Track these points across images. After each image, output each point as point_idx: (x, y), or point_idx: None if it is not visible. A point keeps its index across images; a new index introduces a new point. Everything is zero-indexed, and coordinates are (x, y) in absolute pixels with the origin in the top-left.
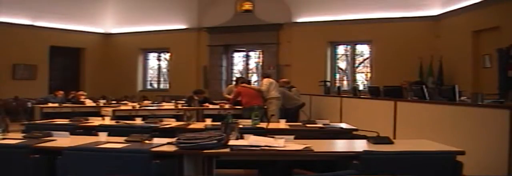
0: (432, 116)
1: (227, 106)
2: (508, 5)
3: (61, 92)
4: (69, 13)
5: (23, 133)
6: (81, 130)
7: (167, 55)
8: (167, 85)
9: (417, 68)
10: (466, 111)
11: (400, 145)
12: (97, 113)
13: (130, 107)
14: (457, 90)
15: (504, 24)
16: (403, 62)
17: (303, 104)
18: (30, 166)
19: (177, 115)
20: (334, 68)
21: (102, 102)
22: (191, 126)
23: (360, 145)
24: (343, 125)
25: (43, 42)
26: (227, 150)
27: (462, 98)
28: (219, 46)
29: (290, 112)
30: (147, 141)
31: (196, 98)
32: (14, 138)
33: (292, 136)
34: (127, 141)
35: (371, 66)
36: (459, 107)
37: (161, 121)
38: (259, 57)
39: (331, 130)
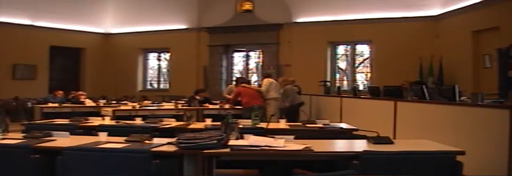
0: (432, 116)
1: (227, 106)
2: (508, 5)
3: (61, 92)
4: (69, 13)
5: (23, 133)
6: (81, 130)
7: (167, 55)
8: (167, 85)
9: (417, 68)
10: (466, 111)
11: (400, 145)
12: (97, 113)
13: (130, 107)
14: (457, 90)
15: (504, 24)
16: (403, 62)
17: (302, 103)
18: (30, 166)
19: (177, 115)
20: (334, 68)
21: (102, 102)
22: (191, 126)
23: (360, 145)
24: (343, 125)
25: (43, 42)
26: (227, 150)
27: (462, 98)
28: (219, 46)
29: (292, 110)
30: (147, 141)
31: (197, 97)
32: (14, 138)
33: (292, 136)
34: (127, 141)
35: (371, 66)
36: (459, 107)
37: (161, 121)
38: (259, 57)
39: (331, 130)
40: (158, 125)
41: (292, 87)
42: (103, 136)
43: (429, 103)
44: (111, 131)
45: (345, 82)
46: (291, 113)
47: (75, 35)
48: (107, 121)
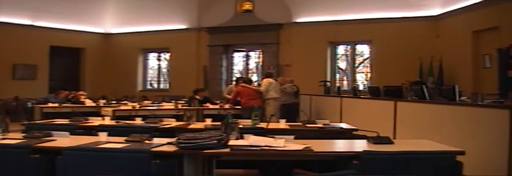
0: (432, 116)
1: (227, 106)
2: (508, 5)
3: (65, 92)
4: (69, 13)
5: (23, 133)
6: (81, 130)
7: (167, 55)
8: (167, 85)
9: (417, 68)
10: (466, 111)
11: (400, 145)
12: (97, 113)
13: (130, 107)
14: (457, 90)
15: (504, 24)
16: (403, 62)
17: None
18: (30, 166)
19: (177, 115)
20: (334, 68)
21: (102, 102)
22: (191, 126)
23: (360, 145)
24: (343, 125)
25: (43, 42)
26: (227, 150)
27: (462, 98)
28: (219, 46)
29: (290, 108)
30: (147, 141)
31: (197, 97)
32: (14, 138)
33: (292, 136)
34: (127, 141)
35: (371, 66)
36: (459, 107)
37: (161, 121)
38: (259, 57)
39: (331, 130)
40: (158, 125)
41: (292, 86)
42: (103, 136)
43: (429, 103)
44: (111, 131)
45: (345, 82)
46: (287, 112)
47: (75, 35)
48: (107, 121)
